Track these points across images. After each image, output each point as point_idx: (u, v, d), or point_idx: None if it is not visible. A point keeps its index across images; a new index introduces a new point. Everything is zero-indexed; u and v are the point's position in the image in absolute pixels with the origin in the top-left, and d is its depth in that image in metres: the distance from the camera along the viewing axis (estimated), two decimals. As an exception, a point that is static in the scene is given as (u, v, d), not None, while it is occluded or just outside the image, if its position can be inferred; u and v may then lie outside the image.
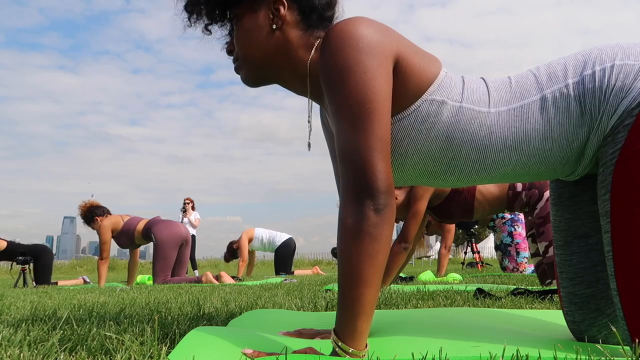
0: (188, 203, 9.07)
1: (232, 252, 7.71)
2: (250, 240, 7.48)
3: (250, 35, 1.08)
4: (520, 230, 5.07)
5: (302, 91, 1.13)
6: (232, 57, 1.15)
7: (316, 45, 1.08)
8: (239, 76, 1.15)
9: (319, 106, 1.21)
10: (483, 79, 1.07)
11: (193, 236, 9.04)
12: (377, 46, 0.96)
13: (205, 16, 1.11)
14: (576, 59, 1.02)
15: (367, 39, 0.95)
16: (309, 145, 1.16)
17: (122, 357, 0.89)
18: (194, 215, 9.08)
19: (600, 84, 0.96)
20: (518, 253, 5.09)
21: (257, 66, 1.11)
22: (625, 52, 0.98)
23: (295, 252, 7.85)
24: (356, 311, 0.88)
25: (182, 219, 8.93)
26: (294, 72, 1.09)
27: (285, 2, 1.07)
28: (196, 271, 9.16)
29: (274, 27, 1.07)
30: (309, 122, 1.14)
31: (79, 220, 5.50)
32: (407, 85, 1.00)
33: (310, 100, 1.13)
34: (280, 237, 7.53)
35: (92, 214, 5.32)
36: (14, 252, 5.73)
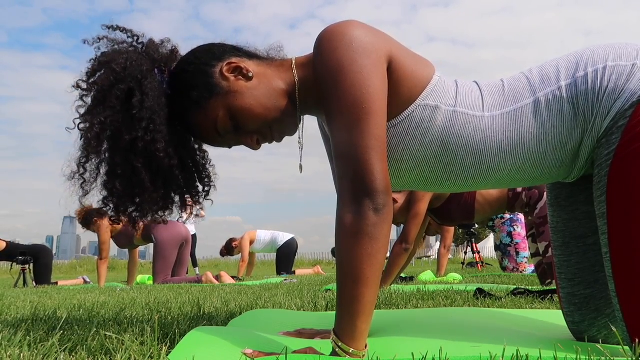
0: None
1: (230, 249, 7.72)
2: (251, 242, 7.47)
3: (250, 107, 1.03)
4: (520, 230, 5.07)
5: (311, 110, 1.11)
6: (265, 143, 1.10)
7: (293, 64, 1.07)
8: (283, 139, 1.11)
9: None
10: (476, 83, 1.07)
11: (194, 235, 9.04)
12: (371, 46, 0.96)
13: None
14: (568, 60, 1.02)
15: (360, 39, 0.95)
16: (301, 167, 1.14)
17: (122, 357, 0.89)
18: (196, 210, 9.04)
19: (593, 85, 0.96)
20: (518, 253, 5.08)
21: (279, 114, 1.05)
22: (617, 53, 0.98)
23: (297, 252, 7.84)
24: (356, 311, 0.88)
25: (183, 218, 8.87)
26: (293, 97, 1.06)
27: (231, 58, 1.05)
28: (197, 268, 9.14)
29: (250, 75, 1.04)
30: (299, 142, 1.12)
31: (79, 221, 5.48)
32: (400, 88, 0.99)
33: (302, 120, 1.10)
34: (283, 237, 7.52)
35: (90, 216, 5.32)
36: (13, 252, 5.72)
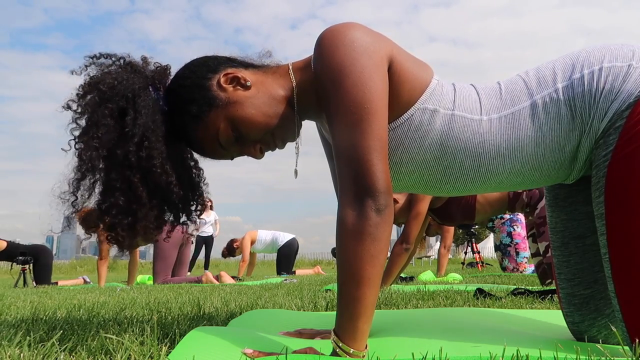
0: (207, 202, 9.01)
1: (231, 250, 7.73)
2: (252, 242, 7.48)
3: (251, 116, 1.02)
4: (519, 230, 5.07)
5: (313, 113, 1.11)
6: (268, 151, 1.09)
7: (290, 70, 1.06)
8: (286, 146, 1.10)
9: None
10: (473, 86, 1.07)
11: (210, 236, 9.04)
12: (372, 46, 0.95)
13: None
14: (564, 62, 1.02)
15: (361, 39, 0.95)
16: (296, 172, 1.13)
17: (122, 357, 0.89)
18: (213, 216, 9.05)
19: (590, 87, 0.96)
20: (517, 253, 5.08)
21: (281, 121, 1.04)
22: (613, 53, 0.98)
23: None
24: (357, 312, 0.88)
25: (205, 218, 8.87)
26: (293, 102, 1.06)
27: (227, 69, 1.05)
28: (206, 271, 9.15)
29: (248, 84, 1.03)
30: (296, 147, 1.11)
31: (79, 221, 5.48)
32: (400, 91, 0.99)
33: (299, 126, 1.09)
34: (284, 237, 7.52)
35: (90, 217, 5.31)
36: (13, 252, 5.72)
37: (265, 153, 1.10)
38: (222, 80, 1.03)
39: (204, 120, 1.03)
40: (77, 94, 1.03)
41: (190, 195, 1.13)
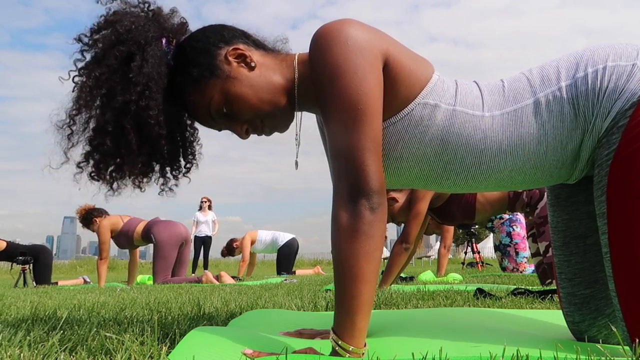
0: (205, 202, 9.07)
1: (230, 249, 7.75)
2: (252, 243, 7.49)
3: (246, 96, 1.03)
4: (519, 230, 5.07)
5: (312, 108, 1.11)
6: (254, 134, 1.09)
7: (295, 61, 1.07)
8: (273, 134, 1.10)
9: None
10: (476, 83, 1.07)
11: (210, 237, 9.07)
12: (367, 44, 0.95)
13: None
14: (568, 61, 1.02)
15: (356, 37, 0.95)
16: (297, 163, 1.14)
17: (122, 357, 0.89)
18: (211, 216, 9.07)
19: (593, 86, 0.96)
20: (517, 253, 5.08)
21: (273, 109, 1.05)
22: (617, 52, 0.98)
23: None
24: (355, 309, 0.88)
25: (199, 217, 8.89)
26: (292, 93, 1.06)
27: (238, 44, 1.05)
28: (208, 272, 9.21)
29: (253, 65, 1.04)
30: (296, 139, 1.12)
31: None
32: (398, 87, 0.99)
33: (300, 117, 1.10)
34: (284, 237, 7.54)
35: (90, 216, 5.34)
36: (13, 252, 5.73)
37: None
38: (230, 53, 1.04)
39: (201, 86, 1.04)
40: (92, 28, 1.04)
41: (180, 152, 1.13)
